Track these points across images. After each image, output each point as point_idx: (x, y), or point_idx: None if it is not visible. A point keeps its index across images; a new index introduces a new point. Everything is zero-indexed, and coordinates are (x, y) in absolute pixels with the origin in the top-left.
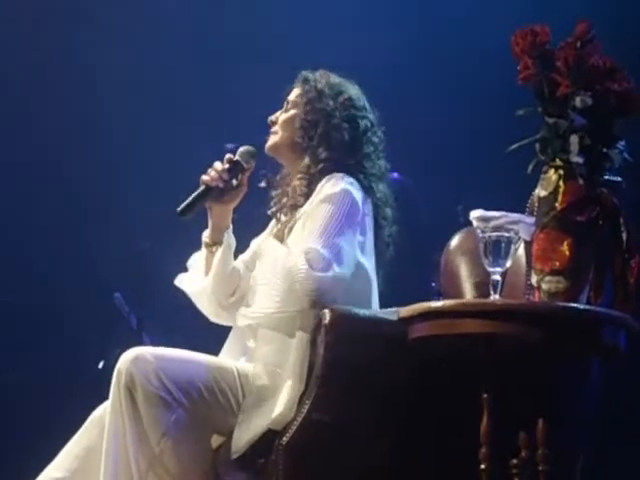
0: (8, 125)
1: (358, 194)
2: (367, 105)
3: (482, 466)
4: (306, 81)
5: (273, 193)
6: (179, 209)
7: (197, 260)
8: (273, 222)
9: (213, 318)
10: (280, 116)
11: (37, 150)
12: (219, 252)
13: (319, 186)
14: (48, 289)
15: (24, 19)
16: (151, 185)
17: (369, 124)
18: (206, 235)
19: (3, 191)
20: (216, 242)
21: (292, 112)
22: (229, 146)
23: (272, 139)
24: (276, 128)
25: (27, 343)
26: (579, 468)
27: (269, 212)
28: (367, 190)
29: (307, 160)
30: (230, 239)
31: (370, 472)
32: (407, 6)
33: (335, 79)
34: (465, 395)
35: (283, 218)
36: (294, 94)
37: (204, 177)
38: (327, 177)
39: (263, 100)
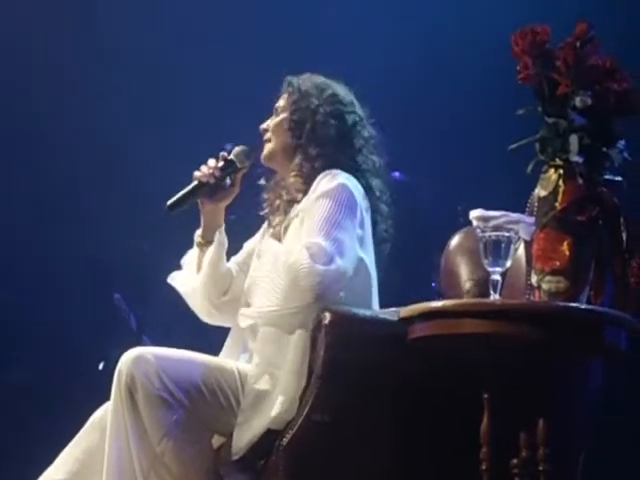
0: (10, 123)
1: (355, 189)
2: (355, 101)
3: (483, 466)
4: (291, 85)
5: (265, 196)
6: (168, 203)
7: (190, 258)
8: (266, 224)
9: (206, 318)
10: (270, 123)
11: (37, 150)
12: (210, 250)
13: (315, 183)
14: (48, 290)
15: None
16: (151, 186)
17: (357, 118)
18: (198, 234)
19: (4, 192)
20: (208, 241)
21: (281, 116)
22: (228, 146)
23: (266, 148)
24: (268, 135)
25: (26, 344)
26: (580, 468)
27: (262, 213)
28: (363, 185)
29: (298, 159)
30: (222, 237)
31: (370, 473)
32: (410, 6)
33: (319, 79)
34: (465, 395)
35: (277, 219)
36: (282, 100)
37: (196, 173)
38: (322, 174)
39: (265, 102)
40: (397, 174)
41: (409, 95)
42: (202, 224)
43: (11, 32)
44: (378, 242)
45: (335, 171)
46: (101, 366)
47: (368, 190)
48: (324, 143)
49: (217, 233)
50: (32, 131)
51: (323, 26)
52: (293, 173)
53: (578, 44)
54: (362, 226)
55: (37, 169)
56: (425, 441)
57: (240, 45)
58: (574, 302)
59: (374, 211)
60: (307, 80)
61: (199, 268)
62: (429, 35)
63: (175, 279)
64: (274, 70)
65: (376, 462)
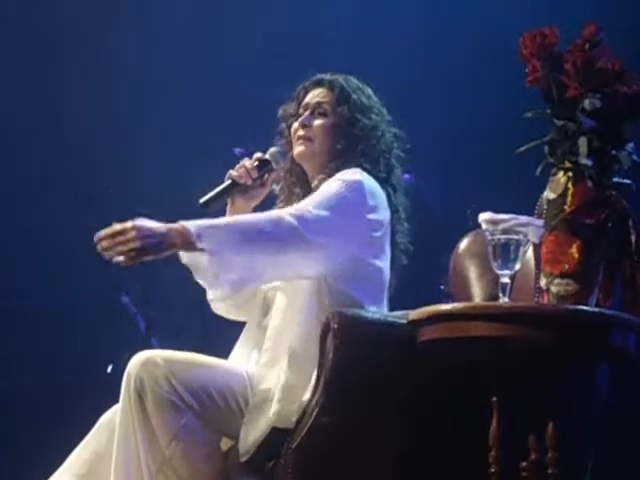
0: (20, 123)
1: (371, 188)
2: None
3: (492, 469)
4: (335, 86)
5: (278, 191)
6: (202, 201)
7: None
8: None
9: (222, 312)
10: (315, 122)
11: (47, 150)
12: None
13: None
14: (56, 292)
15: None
16: (161, 187)
17: (394, 139)
18: None
19: (13, 194)
20: None
21: (332, 120)
22: (237, 150)
23: (307, 147)
24: (311, 135)
25: (34, 347)
26: (589, 471)
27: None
28: (390, 201)
29: (336, 165)
30: None
31: (379, 475)
32: (419, 6)
33: (368, 90)
34: (474, 398)
35: None
36: (323, 97)
37: (232, 172)
38: (344, 169)
39: (275, 105)
40: (407, 176)
41: (417, 97)
42: None
43: (25, 28)
44: (397, 255)
45: (356, 169)
46: (110, 369)
47: (395, 207)
48: (372, 160)
49: None
50: (47, 131)
51: (332, 26)
52: (322, 176)
53: (587, 46)
54: (379, 229)
55: (43, 170)
56: (434, 444)
57: (249, 46)
58: (583, 305)
59: (398, 225)
60: (354, 87)
61: None
62: (439, 36)
63: None
64: (284, 71)
65: (385, 464)
